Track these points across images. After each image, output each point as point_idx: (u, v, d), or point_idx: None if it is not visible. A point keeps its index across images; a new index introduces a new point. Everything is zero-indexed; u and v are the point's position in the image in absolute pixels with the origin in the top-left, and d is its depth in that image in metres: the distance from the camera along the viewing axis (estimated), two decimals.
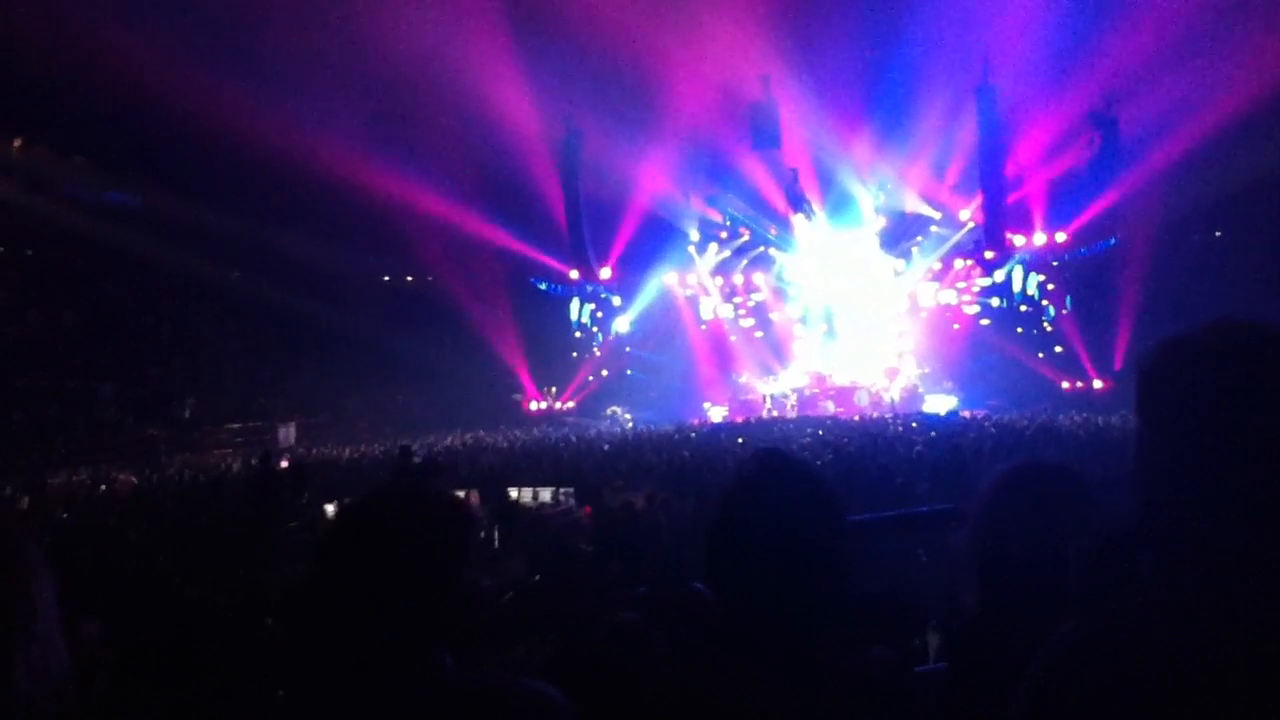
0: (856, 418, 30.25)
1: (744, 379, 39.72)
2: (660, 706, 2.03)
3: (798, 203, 37.48)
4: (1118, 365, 32.38)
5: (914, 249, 39.41)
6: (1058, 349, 35.68)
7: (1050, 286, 36.52)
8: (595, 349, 42.33)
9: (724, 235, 41.51)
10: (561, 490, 15.38)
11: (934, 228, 38.87)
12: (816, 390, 37.07)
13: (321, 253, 38.17)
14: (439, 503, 2.06)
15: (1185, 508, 1.39)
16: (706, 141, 36.55)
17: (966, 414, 29.51)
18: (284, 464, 19.96)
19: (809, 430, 24.40)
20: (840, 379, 37.58)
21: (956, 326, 38.80)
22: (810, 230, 39.09)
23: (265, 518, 13.12)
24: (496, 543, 11.53)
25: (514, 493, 15.08)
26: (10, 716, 1.57)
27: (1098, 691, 1.37)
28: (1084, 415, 24.76)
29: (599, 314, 42.08)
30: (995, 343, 37.23)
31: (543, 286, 40.92)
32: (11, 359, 30.53)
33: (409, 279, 45.97)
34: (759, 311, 41.93)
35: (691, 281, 42.08)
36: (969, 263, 37.69)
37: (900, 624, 3.39)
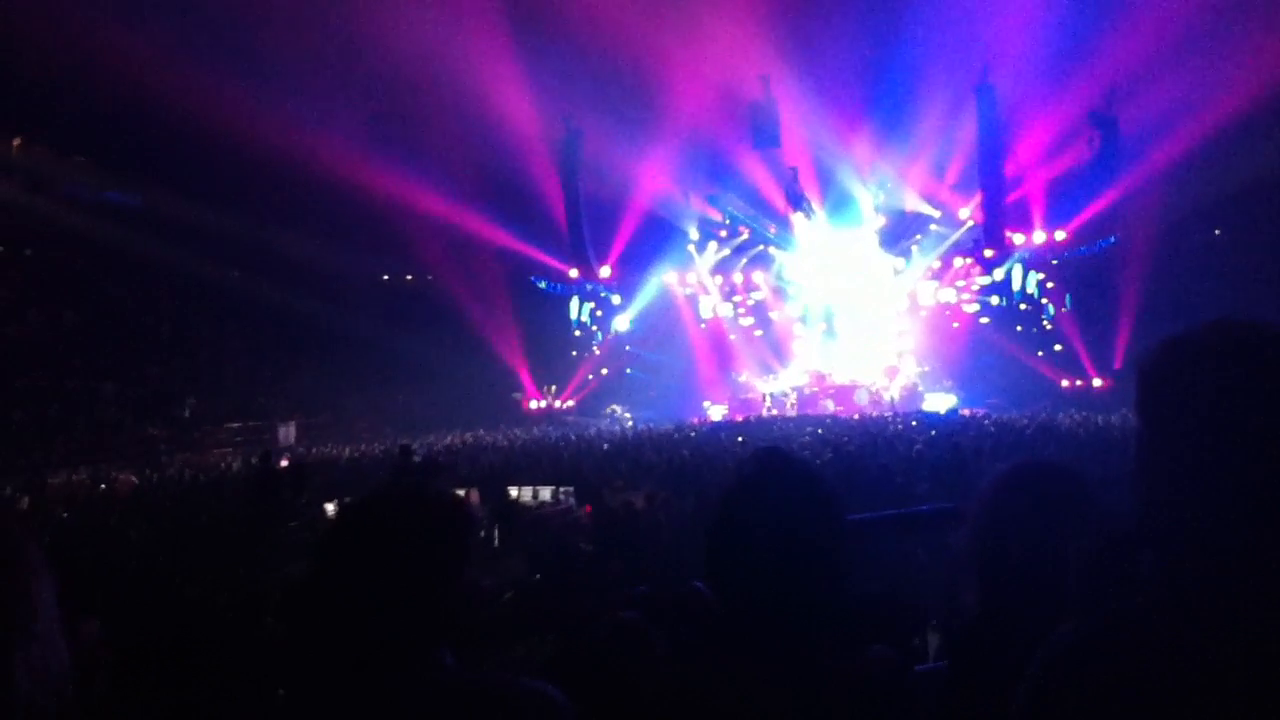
0: (856, 416, 30.25)
1: (744, 378, 39.71)
2: (660, 706, 2.03)
3: (797, 201, 37.46)
4: (1117, 364, 32.39)
5: (914, 248, 39.39)
6: (1057, 348, 35.69)
7: (1050, 285, 36.53)
8: (595, 348, 42.31)
9: (724, 234, 41.49)
10: (561, 489, 15.38)
11: (934, 226, 38.85)
12: (816, 389, 37.05)
13: (321, 252, 38.17)
14: (439, 502, 2.05)
15: (1185, 508, 1.39)
16: (706, 140, 36.55)
17: (966, 413, 29.51)
18: (284, 463, 19.96)
19: (809, 429, 24.40)
20: (840, 378, 37.56)
21: (956, 325, 38.79)
22: (810, 229, 39.07)
23: (265, 517, 13.12)
24: (496, 542, 11.53)
25: (514, 492, 15.08)
26: (10, 716, 1.57)
27: (1098, 691, 1.37)
28: (1083, 414, 24.76)
29: (599, 313, 42.07)
30: (995, 341, 37.22)
31: (542, 285, 40.89)
32: (12, 359, 30.51)
33: (409, 278, 45.98)
34: (759, 310, 41.92)
35: (691, 280, 42.07)
36: (969, 261, 37.68)
37: (900, 624, 3.39)
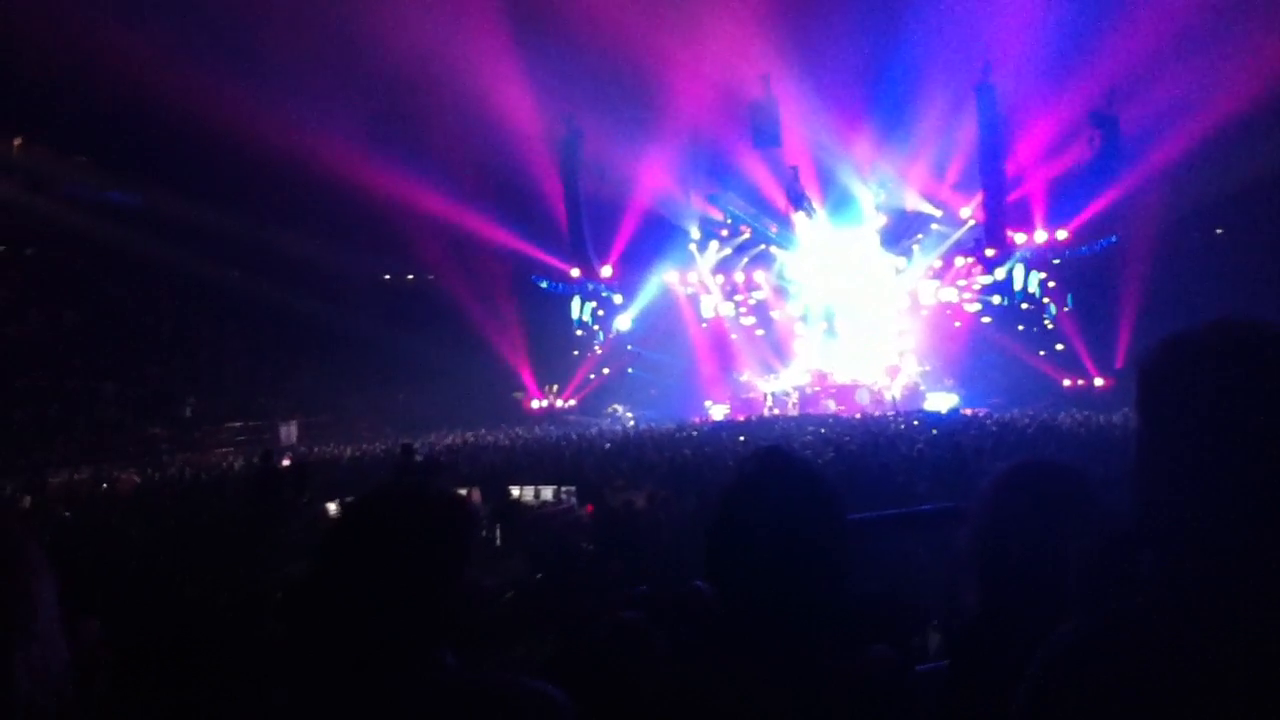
0: (858, 416, 30.25)
1: (745, 377, 39.71)
2: (660, 706, 2.03)
3: (798, 201, 37.43)
4: (1118, 363, 32.37)
5: (915, 247, 39.38)
6: (1059, 347, 35.69)
7: (1051, 284, 36.52)
8: (596, 347, 42.30)
9: (725, 233, 41.48)
10: (563, 489, 15.39)
11: (935, 226, 38.85)
12: (818, 388, 37.05)
13: (322, 252, 38.16)
14: (440, 501, 2.05)
15: (1185, 507, 1.39)
16: (707, 140, 36.55)
17: (968, 412, 29.51)
18: (285, 463, 19.97)
19: (810, 429, 24.40)
20: (841, 377, 37.56)
21: (958, 324, 38.78)
22: (811, 228, 39.06)
23: (266, 517, 13.13)
24: (498, 541, 11.53)
25: (515, 491, 15.09)
26: (10, 716, 1.57)
27: (1098, 691, 1.37)
28: (1085, 413, 24.76)
29: (600, 312, 42.04)
30: (996, 341, 37.23)
31: (544, 285, 40.87)
32: (13, 359, 30.52)
33: (410, 278, 45.97)
34: (760, 310, 41.91)
35: (692, 279, 42.05)
36: (970, 260, 37.66)
37: (900, 623, 3.39)
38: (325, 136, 31.64)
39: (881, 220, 39.33)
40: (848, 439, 19.11)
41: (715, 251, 41.67)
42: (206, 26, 28.39)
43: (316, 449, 29.95)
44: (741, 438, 22.58)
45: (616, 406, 40.30)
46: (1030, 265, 36.35)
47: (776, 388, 37.78)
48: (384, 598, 1.87)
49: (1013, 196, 34.06)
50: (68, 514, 14.59)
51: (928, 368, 37.77)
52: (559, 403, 41.41)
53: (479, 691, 1.90)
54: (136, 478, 20.93)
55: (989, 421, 23.03)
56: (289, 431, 35.56)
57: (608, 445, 23.33)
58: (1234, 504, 1.33)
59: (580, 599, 4.46)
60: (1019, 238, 35.25)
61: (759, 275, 41.84)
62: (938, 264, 39.04)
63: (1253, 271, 29.08)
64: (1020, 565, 2.15)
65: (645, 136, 34.81)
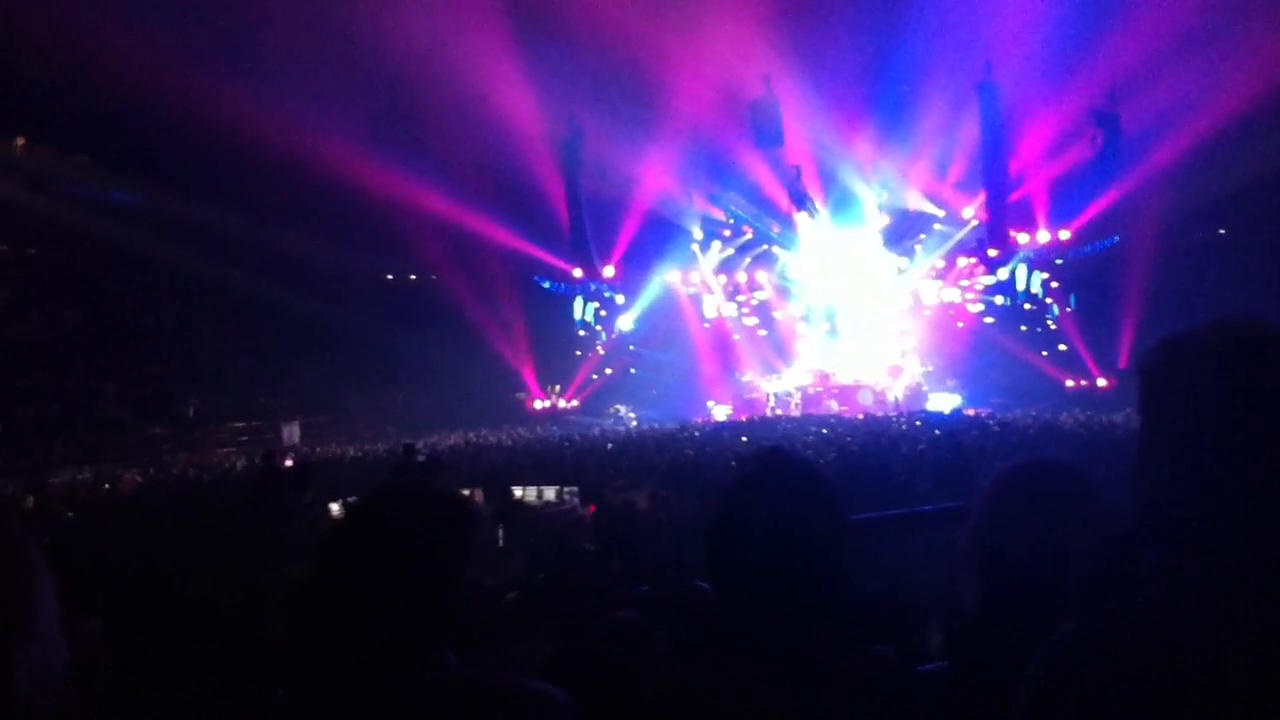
0: (860, 416, 30.22)
1: (747, 377, 39.67)
2: (660, 705, 2.03)
3: (800, 200, 37.42)
4: (1121, 363, 32.34)
5: (917, 247, 39.34)
6: (1061, 347, 35.64)
7: (1054, 284, 36.49)
8: (598, 347, 42.30)
9: (727, 233, 41.43)
10: (565, 489, 15.38)
11: (937, 225, 38.81)
12: (820, 389, 37.02)
13: (324, 252, 38.21)
14: (442, 500, 2.06)
15: (1185, 507, 1.39)
16: (708, 139, 36.54)
17: (970, 412, 29.48)
18: (288, 463, 19.97)
19: (812, 429, 24.38)
20: (844, 377, 37.52)
21: (960, 325, 38.74)
22: (813, 228, 39.02)
23: (268, 517, 13.13)
24: (500, 542, 11.53)
25: (517, 491, 15.09)
26: (10, 716, 1.57)
27: (1098, 691, 1.37)
28: (1087, 414, 24.73)
29: (602, 312, 42.04)
30: (999, 341, 37.18)
31: (546, 285, 40.87)
32: (15, 358, 30.56)
33: (412, 278, 45.98)
34: (762, 310, 41.88)
35: (694, 280, 42.01)
36: (972, 260, 37.62)
37: (901, 623, 3.39)
38: (327, 136, 31.65)
39: (884, 220, 39.29)
40: (850, 439, 19.09)
41: (717, 251, 41.63)
42: (208, 26, 28.44)
43: (318, 449, 29.96)
44: (744, 438, 22.56)
45: (619, 407, 40.27)
46: (1033, 265, 36.33)
47: (779, 388, 37.74)
48: (385, 597, 1.87)
49: (1015, 196, 34.03)
50: (70, 514, 14.60)
51: (930, 368, 37.72)
52: (561, 403, 41.39)
53: (480, 691, 1.90)
54: (138, 478, 20.94)
55: (991, 422, 23.00)
56: (291, 431, 35.56)
57: (610, 446, 23.31)
58: (1234, 503, 1.33)
59: (581, 599, 4.46)
60: (1021, 238, 35.22)
61: (761, 275, 41.81)
62: (940, 264, 39.00)
63: (1255, 271, 29.04)
64: (1021, 565, 2.15)
65: (647, 136, 34.81)
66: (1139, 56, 28.36)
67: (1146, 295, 31.45)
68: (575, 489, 14.73)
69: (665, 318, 42.08)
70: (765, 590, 1.98)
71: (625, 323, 41.95)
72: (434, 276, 43.05)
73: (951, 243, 38.39)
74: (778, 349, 40.95)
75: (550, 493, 15.64)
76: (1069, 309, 36.09)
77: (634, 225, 38.98)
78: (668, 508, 11.04)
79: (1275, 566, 1.30)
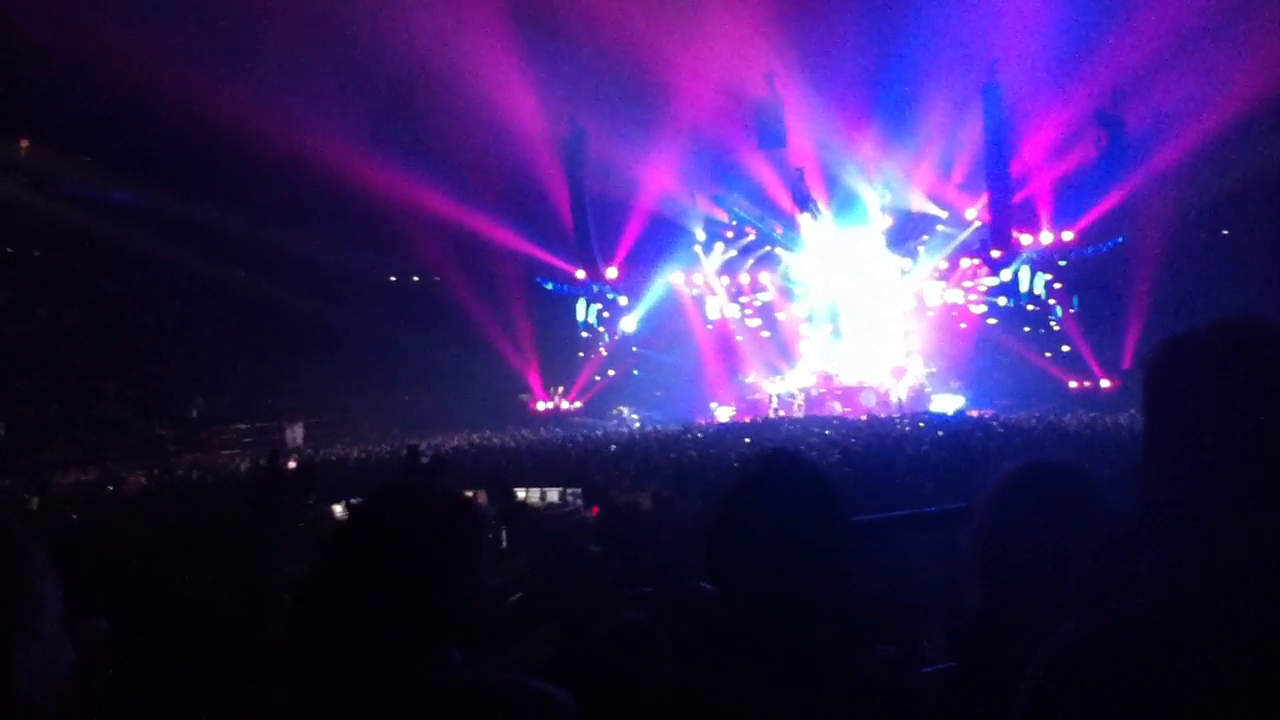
0: (864, 417, 30.19)
1: (751, 379, 39.67)
2: (662, 705, 2.03)
3: (804, 202, 37.38)
4: (1125, 364, 32.31)
5: (920, 248, 39.32)
6: (1065, 348, 35.61)
7: (1057, 285, 36.45)
8: (602, 349, 42.29)
9: (730, 234, 41.42)
10: (569, 491, 15.40)
11: (940, 226, 38.78)
12: (823, 390, 37.00)
13: (328, 253, 38.25)
14: (446, 500, 2.06)
15: (1186, 506, 1.39)
16: (712, 141, 36.52)
17: (974, 414, 29.45)
18: (292, 464, 19.99)
19: (816, 430, 24.37)
20: (847, 379, 37.49)
21: (964, 326, 38.71)
22: (816, 229, 38.99)
23: (272, 518, 13.14)
24: (503, 543, 11.55)
25: (521, 493, 15.10)
26: (10, 716, 1.58)
27: (1098, 691, 1.37)
28: (1091, 415, 24.70)
29: (605, 314, 42.03)
30: (1002, 342, 37.16)
31: (549, 286, 40.88)
32: (18, 358, 30.59)
33: (415, 279, 46.01)
34: (765, 311, 41.85)
35: (698, 281, 42.00)
36: (975, 262, 37.61)
37: (905, 624, 3.39)
38: (330, 137, 31.68)
39: (887, 221, 39.26)
40: (853, 441, 19.08)
41: (720, 253, 41.63)
42: (212, 26, 28.45)
43: (322, 450, 29.97)
44: (747, 439, 22.56)
45: (622, 408, 40.24)
46: (1036, 266, 36.30)
47: (782, 389, 37.74)
48: (388, 597, 1.87)
49: (1018, 197, 34.00)
50: (75, 516, 14.61)
51: (934, 369, 37.69)
52: (564, 404, 41.38)
53: (482, 691, 1.90)
54: (143, 479, 20.96)
55: (995, 423, 22.98)
56: (295, 433, 35.57)
57: (613, 447, 23.31)
58: (1234, 503, 1.33)
59: (584, 600, 4.46)
60: (1025, 239, 35.18)
61: (764, 276, 41.79)
62: (943, 265, 38.98)
63: (1258, 272, 29.02)
64: (1023, 565, 2.15)
65: (650, 137, 34.80)
66: (1142, 58, 28.33)
67: (1150, 296, 31.44)
68: (578, 490, 14.75)
69: (668, 319, 42.09)
70: (766, 591, 1.98)
71: (628, 324, 41.94)
72: (437, 278, 43.08)
73: (955, 244, 38.37)
74: (781, 350, 40.93)
75: (553, 494, 15.67)
76: (1072, 310, 36.05)
77: (637, 226, 38.98)
78: (671, 509, 11.05)
79: (1275, 566, 1.30)
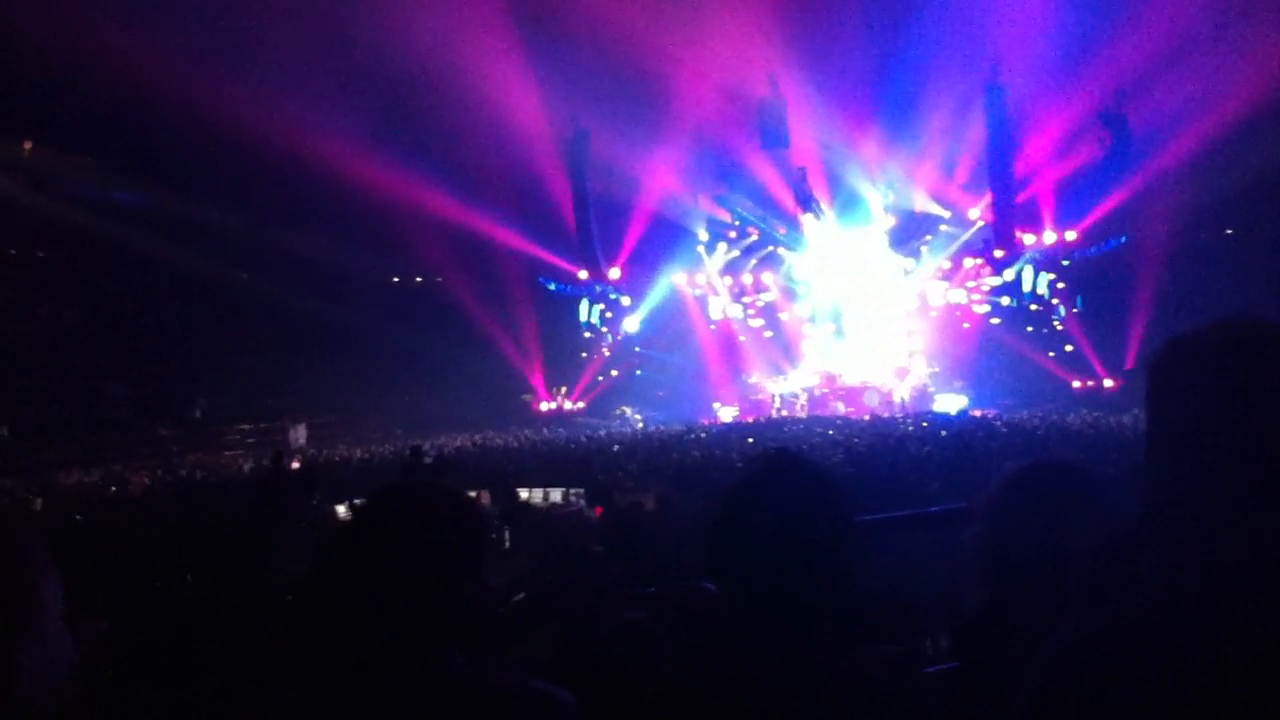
0: (867, 417, 30.16)
1: (754, 379, 39.66)
2: (663, 705, 2.03)
3: (806, 202, 37.36)
4: (1128, 364, 32.27)
5: (923, 248, 39.28)
6: (1068, 348, 35.56)
7: (1060, 285, 36.40)
8: (605, 349, 42.27)
9: (733, 235, 41.40)
10: (572, 491, 15.40)
11: (943, 226, 38.72)
12: (826, 390, 36.96)
13: (331, 253, 38.28)
14: (450, 501, 2.06)
15: (1187, 506, 1.39)
16: (714, 141, 36.51)
17: (977, 413, 29.43)
18: (295, 465, 20.00)
19: (819, 430, 24.35)
20: (850, 379, 37.44)
21: (967, 326, 38.67)
22: (819, 229, 38.97)
23: (275, 518, 13.14)
24: (506, 543, 11.55)
25: (524, 493, 15.10)
26: (11, 716, 1.58)
27: (1098, 691, 1.37)
28: (1094, 415, 24.69)
29: (608, 314, 42.00)
30: (1006, 342, 37.13)
31: (552, 287, 40.89)
32: (21, 359, 30.63)
33: (418, 279, 46.03)
34: (768, 311, 41.82)
35: (700, 281, 41.98)
36: (978, 262, 37.56)
37: (907, 624, 3.38)
38: (333, 138, 31.71)
39: (890, 221, 39.23)
40: (857, 440, 19.07)
41: (723, 253, 41.60)
42: (216, 27, 28.48)
43: (325, 451, 29.99)
44: (750, 439, 22.55)
45: (625, 408, 40.23)
46: (1039, 266, 36.24)
47: (785, 389, 37.72)
48: (390, 597, 1.87)
49: (1021, 197, 33.97)
50: (78, 516, 14.63)
51: (937, 369, 37.66)
52: (568, 405, 41.37)
53: (484, 691, 1.90)
54: (146, 479, 20.98)
55: (998, 423, 22.97)
56: (298, 433, 35.59)
57: (616, 447, 23.31)
58: (1234, 503, 1.33)
59: (587, 600, 4.45)
60: (1028, 238, 35.15)
61: (767, 277, 41.76)
62: (946, 265, 38.94)
63: (1262, 271, 28.98)
64: (1026, 565, 2.14)
65: (652, 138, 34.79)
66: (1146, 57, 28.29)
67: (1153, 296, 31.41)
68: (582, 490, 14.75)
69: (671, 319, 42.07)
70: (767, 591, 1.98)
71: (631, 324, 41.93)
72: (440, 278, 43.09)
73: (958, 243, 38.31)
74: (784, 350, 40.90)
75: (557, 494, 15.67)
76: (1075, 310, 36.00)
77: (640, 227, 38.99)
78: (674, 509, 11.04)
79: (1275, 566, 1.29)
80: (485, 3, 28.89)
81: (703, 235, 41.24)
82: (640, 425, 35.03)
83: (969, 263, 38.17)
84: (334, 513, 13.69)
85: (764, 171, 37.55)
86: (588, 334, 42.17)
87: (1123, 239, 34.05)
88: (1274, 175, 29.32)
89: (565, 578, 6.98)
